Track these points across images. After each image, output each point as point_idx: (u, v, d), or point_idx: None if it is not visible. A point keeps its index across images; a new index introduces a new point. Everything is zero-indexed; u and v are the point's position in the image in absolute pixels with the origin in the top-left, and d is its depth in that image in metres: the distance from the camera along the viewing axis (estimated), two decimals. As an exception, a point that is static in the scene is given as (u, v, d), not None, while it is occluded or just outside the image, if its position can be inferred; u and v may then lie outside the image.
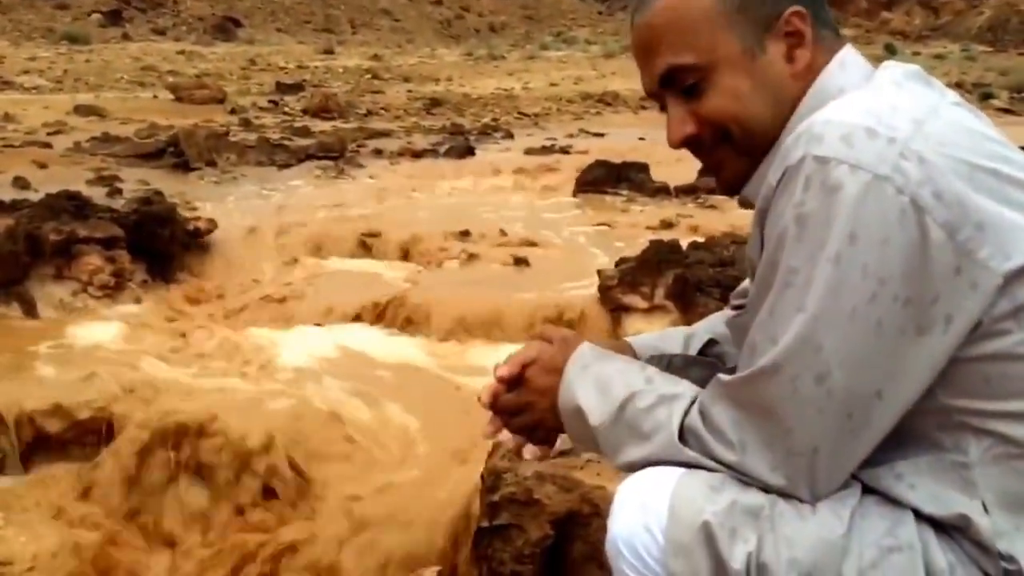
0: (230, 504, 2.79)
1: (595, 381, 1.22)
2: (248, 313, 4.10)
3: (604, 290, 3.73)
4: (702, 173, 4.21)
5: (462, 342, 3.77)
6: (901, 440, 1.08)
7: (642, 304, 3.62)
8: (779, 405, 1.05)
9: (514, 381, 1.31)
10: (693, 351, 1.42)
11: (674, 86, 1.19)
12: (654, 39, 1.19)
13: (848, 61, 1.19)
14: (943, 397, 1.06)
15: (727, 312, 1.49)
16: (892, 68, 1.18)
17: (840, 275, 1.02)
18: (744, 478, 1.09)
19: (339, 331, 3.83)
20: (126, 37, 28.17)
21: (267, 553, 2.61)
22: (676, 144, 1.22)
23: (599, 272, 3.85)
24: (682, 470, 1.12)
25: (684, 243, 3.94)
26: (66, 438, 2.98)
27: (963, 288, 1.02)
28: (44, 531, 2.70)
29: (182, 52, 23.18)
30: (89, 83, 14.65)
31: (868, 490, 1.09)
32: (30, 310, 3.88)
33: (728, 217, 5.07)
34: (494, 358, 3.65)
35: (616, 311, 3.70)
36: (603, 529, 2.09)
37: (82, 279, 4.07)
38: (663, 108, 1.24)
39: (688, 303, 3.43)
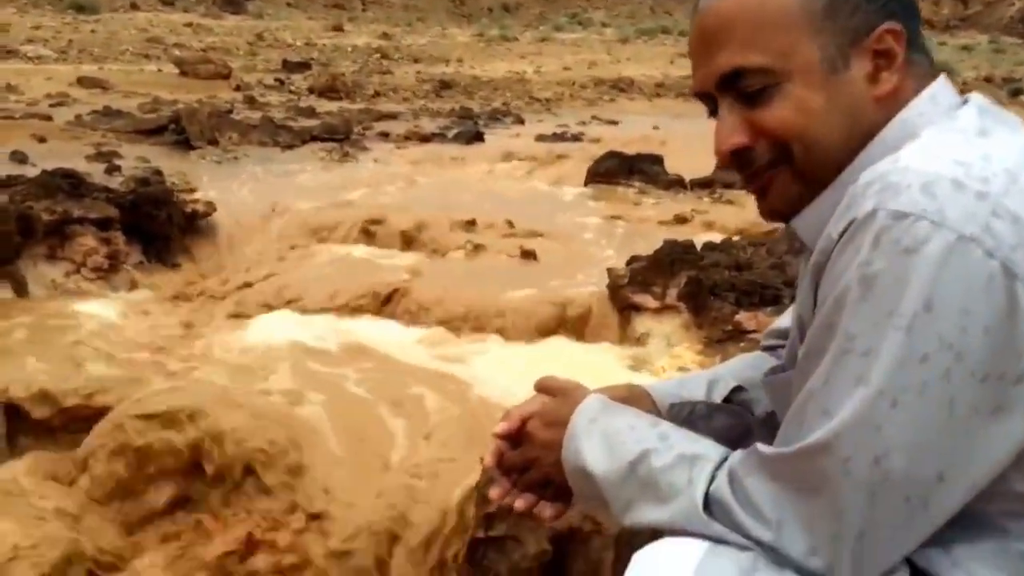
0: (216, 500, 2.70)
1: (602, 436, 1.11)
2: (245, 300, 3.99)
3: (614, 289, 3.62)
4: (720, 169, 4.07)
5: (466, 336, 3.67)
6: (961, 522, 0.95)
7: (653, 304, 3.50)
8: (827, 485, 0.93)
9: (516, 437, 1.21)
10: (718, 398, 1.30)
11: (733, 89, 1.05)
12: (722, 32, 1.04)
13: (940, 96, 1.04)
14: (1016, 482, 0.94)
15: (755, 355, 1.38)
16: (977, 105, 1.03)
17: (911, 347, 0.89)
18: (777, 559, 0.96)
19: (338, 322, 3.72)
20: (134, 7, 27.96)
21: (249, 551, 2.52)
22: (724, 155, 1.08)
23: (609, 271, 3.73)
24: (706, 545, 0.99)
25: (698, 242, 3.82)
26: (53, 424, 2.89)
27: None
28: (28, 520, 2.62)
29: (189, 24, 23.02)
30: (94, 54, 14.51)
31: (916, 572, 0.97)
32: (21, 291, 3.78)
33: (745, 214, 4.94)
34: (498, 355, 3.56)
35: (625, 310, 3.59)
36: (604, 547, 2.01)
37: (75, 260, 3.97)
38: (712, 112, 1.10)
39: (701, 306, 3.31)
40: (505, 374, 3.19)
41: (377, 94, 11.63)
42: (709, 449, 1.06)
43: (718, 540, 0.99)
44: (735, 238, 4.10)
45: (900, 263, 0.89)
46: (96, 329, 3.48)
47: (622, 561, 1.88)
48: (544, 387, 1.25)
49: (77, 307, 3.68)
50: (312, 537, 2.45)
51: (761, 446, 1.00)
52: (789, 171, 1.06)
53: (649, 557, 1.02)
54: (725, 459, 1.04)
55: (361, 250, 4.69)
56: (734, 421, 1.24)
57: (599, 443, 1.11)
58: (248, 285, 4.15)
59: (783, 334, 1.29)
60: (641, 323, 3.55)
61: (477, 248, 4.57)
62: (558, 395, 1.22)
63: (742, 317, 3.08)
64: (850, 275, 0.92)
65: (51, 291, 3.87)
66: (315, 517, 2.50)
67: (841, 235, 0.94)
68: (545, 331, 3.71)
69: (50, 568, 2.57)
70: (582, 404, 1.16)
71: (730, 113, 1.06)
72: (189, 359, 3.29)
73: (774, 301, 3.15)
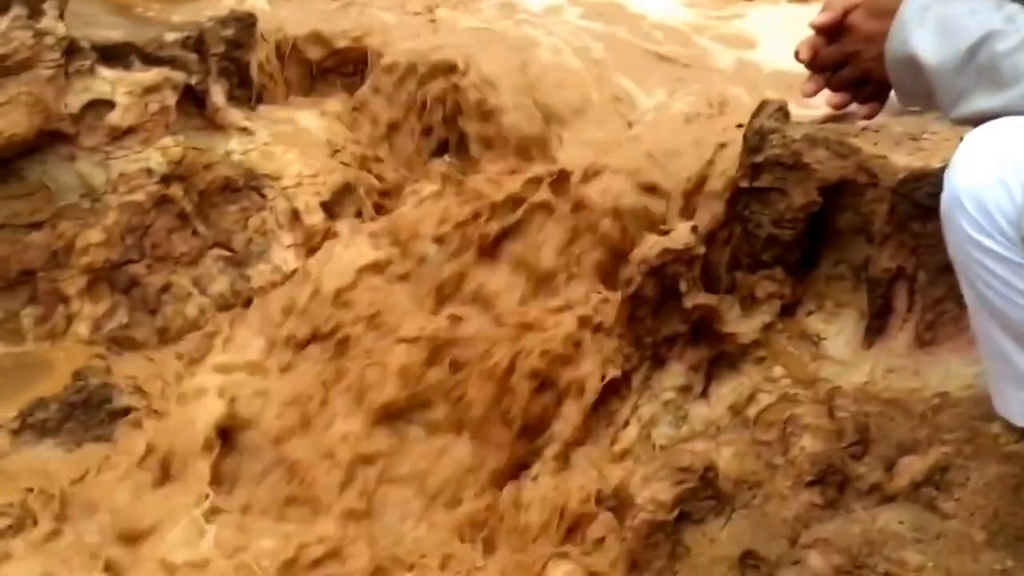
0: (477, 147, 2.78)
1: (937, 22, 1.03)
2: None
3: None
4: None
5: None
6: None
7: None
8: None
9: (835, 31, 1.14)
10: None
11: None
12: None
13: None
14: None
15: None
16: None
17: None
18: None
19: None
20: None
21: (505, 197, 2.60)
22: None
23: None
24: None
25: None
26: (325, 66, 3.03)
27: None
28: (309, 152, 2.84)
29: None
30: None
31: None
32: (287, -63, 3.85)
33: None
34: (758, 18, 3.33)
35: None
36: (879, 200, 1.93)
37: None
38: None
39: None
40: (775, 35, 3.00)
41: None
42: None
43: None
44: None
45: None
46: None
47: (897, 214, 1.82)
48: None
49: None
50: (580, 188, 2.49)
51: None
52: None
53: (984, 135, 0.97)
54: None
55: None
56: None
57: (933, 29, 1.04)
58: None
59: None
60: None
61: None
62: None
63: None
64: None
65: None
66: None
67: None
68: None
69: (330, 194, 2.81)
70: None
71: None
72: (449, 14, 3.29)
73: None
